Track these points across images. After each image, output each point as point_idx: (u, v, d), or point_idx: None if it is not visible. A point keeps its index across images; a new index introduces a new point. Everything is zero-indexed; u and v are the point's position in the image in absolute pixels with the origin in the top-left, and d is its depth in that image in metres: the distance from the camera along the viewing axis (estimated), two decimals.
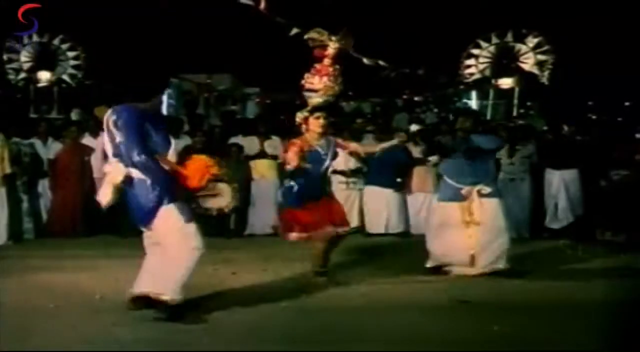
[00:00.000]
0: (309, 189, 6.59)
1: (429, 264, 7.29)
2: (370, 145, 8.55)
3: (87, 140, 10.29)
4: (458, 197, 7.12)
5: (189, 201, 5.33)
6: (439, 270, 7.21)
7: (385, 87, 18.23)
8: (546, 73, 15.99)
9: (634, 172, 9.44)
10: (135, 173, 5.16)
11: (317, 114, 6.62)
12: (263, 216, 10.09)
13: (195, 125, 12.19)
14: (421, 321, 5.41)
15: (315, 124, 6.62)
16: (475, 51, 16.74)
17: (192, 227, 5.25)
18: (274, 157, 10.34)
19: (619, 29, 15.52)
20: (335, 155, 6.85)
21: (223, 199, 5.46)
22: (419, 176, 10.19)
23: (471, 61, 16.76)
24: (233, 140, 10.53)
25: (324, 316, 5.55)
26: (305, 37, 6.73)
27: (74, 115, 12.98)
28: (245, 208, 10.07)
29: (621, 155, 9.60)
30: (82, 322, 5.25)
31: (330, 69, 6.63)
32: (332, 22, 6.85)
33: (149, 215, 5.22)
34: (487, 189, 7.09)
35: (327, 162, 6.70)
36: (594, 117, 17.61)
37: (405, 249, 8.70)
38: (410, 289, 6.56)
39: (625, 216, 9.32)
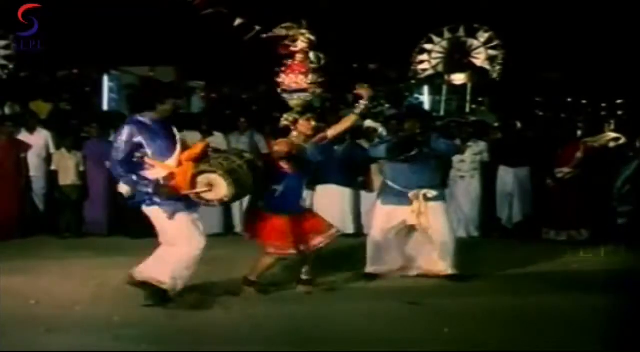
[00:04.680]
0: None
1: (368, 270, 7.02)
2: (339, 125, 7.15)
3: (23, 136, 9.88)
4: (403, 201, 6.88)
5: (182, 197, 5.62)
6: (377, 276, 6.96)
7: (335, 81, 18.05)
8: (497, 68, 16.06)
9: (576, 171, 9.43)
10: None
11: (308, 116, 6.38)
12: (204, 215, 9.81)
13: None
14: (367, 323, 5.35)
15: (306, 126, 6.35)
16: (428, 46, 16.66)
17: (178, 223, 5.65)
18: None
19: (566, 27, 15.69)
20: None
21: (219, 190, 5.56)
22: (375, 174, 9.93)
23: (424, 56, 16.68)
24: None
25: (253, 320, 5.48)
26: (271, 34, 6.45)
27: (7, 109, 12.44)
28: None
29: (565, 154, 9.60)
30: (15, 329, 5.09)
31: (306, 65, 6.41)
32: (279, 15, 6.65)
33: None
34: (432, 193, 6.88)
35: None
36: (540, 113, 17.77)
37: (356, 250, 8.48)
38: (359, 292, 6.43)
39: (569, 214, 9.36)
